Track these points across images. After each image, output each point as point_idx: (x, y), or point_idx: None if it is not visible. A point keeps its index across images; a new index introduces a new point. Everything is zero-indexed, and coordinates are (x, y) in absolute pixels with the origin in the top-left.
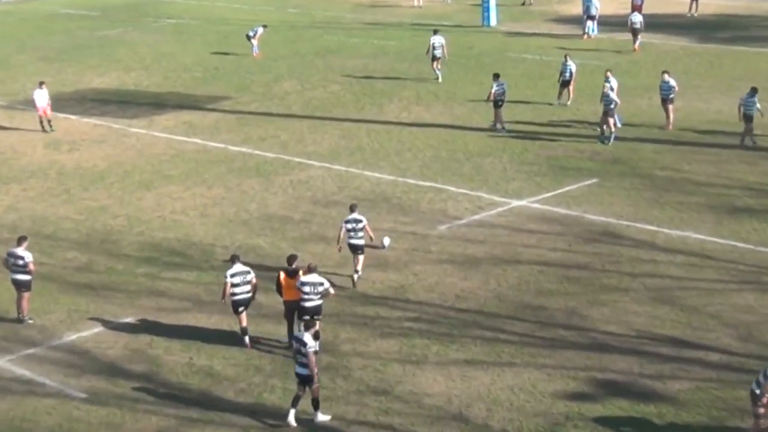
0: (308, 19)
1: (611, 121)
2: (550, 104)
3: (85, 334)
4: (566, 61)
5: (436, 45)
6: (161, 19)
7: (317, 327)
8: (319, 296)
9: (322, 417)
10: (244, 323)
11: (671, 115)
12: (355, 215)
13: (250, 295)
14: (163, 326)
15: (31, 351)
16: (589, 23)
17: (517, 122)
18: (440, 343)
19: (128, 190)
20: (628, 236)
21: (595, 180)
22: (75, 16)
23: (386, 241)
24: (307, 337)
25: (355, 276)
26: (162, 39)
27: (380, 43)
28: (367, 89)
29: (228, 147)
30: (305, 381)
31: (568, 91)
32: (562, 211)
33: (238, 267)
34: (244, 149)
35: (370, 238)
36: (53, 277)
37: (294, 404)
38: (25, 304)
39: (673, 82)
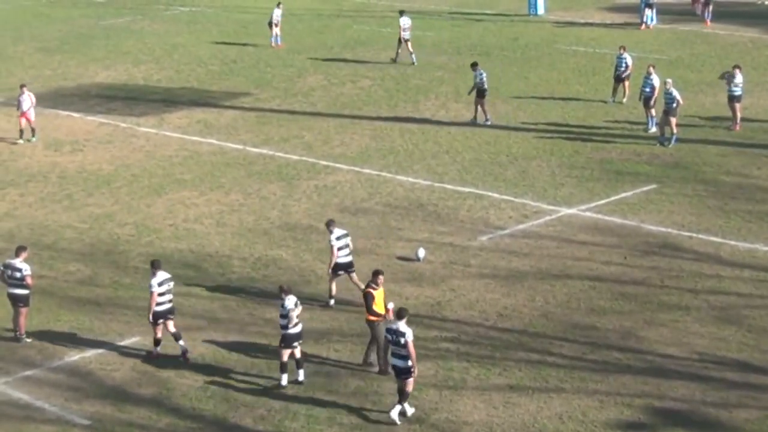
0: (336, 7)
1: (673, 120)
2: (604, 102)
3: (88, 354)
4: (622, 54)
5: (405, 27)
6: (173, 7)
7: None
8: (299, 320)
9: (409, 410)
10: (159, 335)
11: (738, 115)
12: (340, 231)
13: (172, 304)
14: (174, 346)
15: (29, 372)
16: (648, 12)
17: (567, 122)
18: (481, 367)
19: (137, 195)
20: (689, 248)
21: (653, 186)
22: (78, 3)
23: (421, 252)
24: (403, 326)
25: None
26: (174, 29)
27: (416, 33)
28: (401, 85)
29: (247, 148)
30: (402, 373)
31: (624, 87)
32: (617, 220)
33: (163, 275)
34: (264, 151)
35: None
36: (54, 292)
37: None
38: (22, 321)
39: (739, 79)
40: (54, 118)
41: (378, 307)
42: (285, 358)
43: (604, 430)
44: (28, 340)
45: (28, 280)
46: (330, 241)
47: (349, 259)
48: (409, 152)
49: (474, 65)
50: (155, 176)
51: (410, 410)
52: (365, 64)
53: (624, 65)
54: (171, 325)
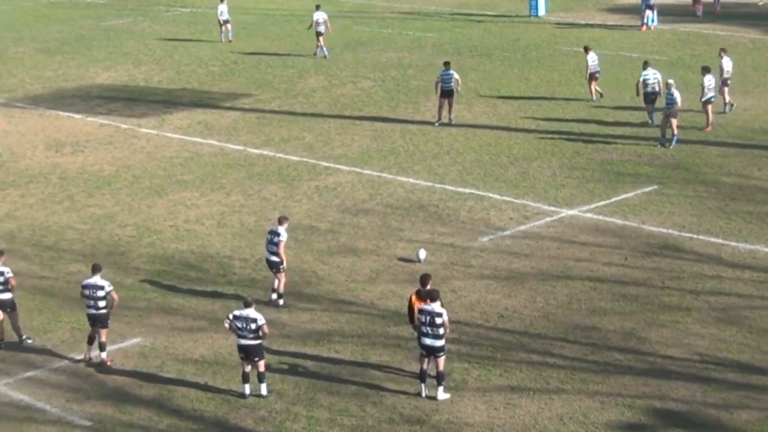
0: (336, 8)
1: (674, 122)
2: (602, 95)
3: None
4: (588, 53)
5: (319, 21)
6: (174, 8)
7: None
8: (252, 335)
9: (443, 395)
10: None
11: (710, 115)
12: (275, 227)
13: (103, 312)
14: (175, 347)
15: (30, 374)
16: (648, 13)
17: (568, 123)
18: (482, 368)
19: (137, 196)
20: (690, 249)
21: (654, 187)
22: (79, 4)
23: (422, 253)
24: (438, 307)
25: (275, 297)
26: (175, 29)
27: (417, 34)
28: (402, 86)
29: (247, 149)
30: (432, 352)
31: (593, 87)
32: (618, 221)
33: (93, 279)
34: (265, 152)
35: (281, 259)
36: (55, 293)
37: (423, 380)
38: (18, 324)
39: (707, 81)
40: (55, 119)
41: None
42: (247, 369)
43: (605, 431)
44: (30, 341)
45: (12, 282)
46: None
47: (273, 258)
48: (410, 153)
49: (445, 64)
50: (156, 177)
51: (446, 395)
52: (366, 65)
53: (587, 65)
54: (92, 331)
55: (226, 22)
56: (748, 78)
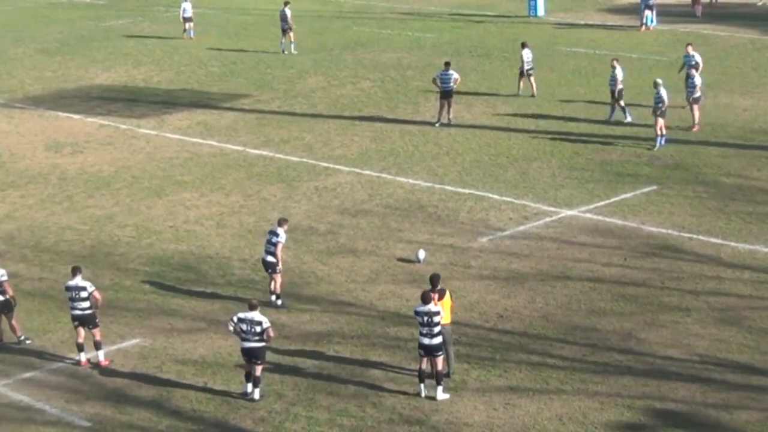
0: (336, 9)
1: (660, 121)
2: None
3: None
4: (523, 49)
5: (285, 18)
6: (173, 9)
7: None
8: (257, 338)
9: (443, 395)
10: (80, 339)
11: (696, 115)
12: (275, 228)
13: (88, 312)
14: (174, 348)
15: (29, 374)
16: (648, 13)
17: (568, 123)
18: (481, 368)
19: (137, 197)
20: (690, 250)
21: (653, 187)
22: (78, 5)
23: (421, 254)
24: (434, 307)
25: (274, 299)
26: (174, 30)
27: (416, 35)
28: (401, 86)
29: (247, 150)
30: (430, 351)
31: (530, 82)
32: (617, 221)
33: (74, 281)
34: (264, 152)
35: (278, 260)
36: (54, 294)
37: (421, 380)
38: (14, 324)
39: (698, 80)
40: (54, 120)
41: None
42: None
43: (605, 431)
44: (28, 342)
45: (5, 286)
46: None
47: (269, 259)
48: (410, 154)
49: (446, 64)
50: (155, 178)
51: (446, 395)
52: (365, 65)
53: (520, 60)
54: (81, 333)
55: (188, 19)
56: (748, 78)
